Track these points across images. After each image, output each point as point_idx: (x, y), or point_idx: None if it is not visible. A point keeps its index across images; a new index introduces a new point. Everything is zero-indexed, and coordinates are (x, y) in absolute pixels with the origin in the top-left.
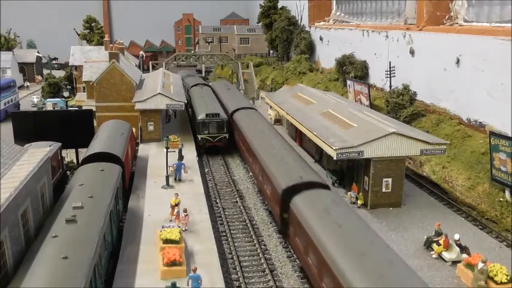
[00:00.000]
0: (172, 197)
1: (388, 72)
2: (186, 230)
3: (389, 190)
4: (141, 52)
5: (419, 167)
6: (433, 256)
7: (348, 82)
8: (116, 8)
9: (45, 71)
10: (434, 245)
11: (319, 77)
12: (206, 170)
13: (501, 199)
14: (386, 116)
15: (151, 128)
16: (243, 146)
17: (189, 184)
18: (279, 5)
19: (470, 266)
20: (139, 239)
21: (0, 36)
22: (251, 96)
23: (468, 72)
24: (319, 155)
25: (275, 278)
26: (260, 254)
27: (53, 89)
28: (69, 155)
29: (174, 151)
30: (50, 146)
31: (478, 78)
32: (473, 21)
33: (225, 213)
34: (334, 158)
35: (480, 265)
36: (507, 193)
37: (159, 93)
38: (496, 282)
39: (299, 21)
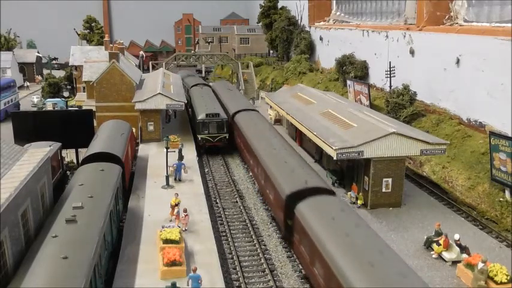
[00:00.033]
0: (172, 197)
1: (388, 72)
2: (186, 230)
3: (389, 190)
4: (141, 52)
5: (419, 167)
6: (433, 256)
7: (348, 82)
8: (116, 8)
9: (45, 71)
10: (434, 245)
11: (319, 77)
12: (206, 170)
13: (501, 199)
14: (386, 116)
15: (151, 128)
16: (244, 149)
17: (189, 184)
18: (279, 5)
19: (470, 266)
20: (139, 239)
21: (0, 36)
22: (251, 96)
23: (468, 72)
24: (319, 155)
25: (275, 278)
26: (260, 254)
27: (53, 89)
28: (69, 155)
29: (174, 151)
30: (50, 146)
31: (478, 78)
32: (473, 21)
33: (225, 213)
34: (334, 158)
35: (480, 265)
36: (507, 193)
37: (159, 93)
38: (496, 282)
39: (299, 21)
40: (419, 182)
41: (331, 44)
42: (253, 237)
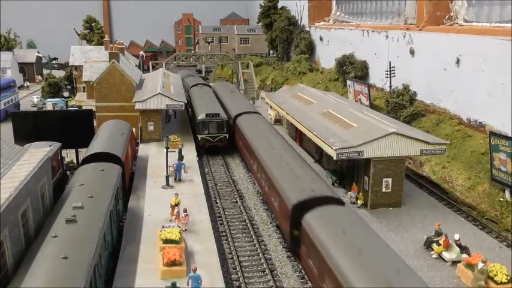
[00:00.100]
0: (172, 197)
1: (388, 72)
2: (186, 230)
3: (390, 190)
4: (141, 52)
5: (419, 167)
6: (433, 256)
7: (348, 82)
8: (116, 8)
9: (45, 71)
10: (434, 245)
11: (319, 77)
12: (206, 170)
13: (501, 199)
14: (386, 116)
15: (151, 128)
16: (247, 153)
17: (189, 184)
18: (279, 5)
19: (470, 266)
20: (139, 239)
21: (0, 36)
22: (251, 96)
23: (468, 72)
24: (319, 155)
25: (275, 278)
26: (260, 254)
27: (53, 89)
28: (69, 155)
29: (174, 151)
30: (50, 146)
31: (478, 78)
32: (473, 21)
33: (225, 213)
34: (334, 158)
35: (480, 265)
36: (507, 193)
37: (159, 93)
38: (496, 282)
39: (299, 21)
40: (419, 182)
41: (331, 44)
42: (253, 237)
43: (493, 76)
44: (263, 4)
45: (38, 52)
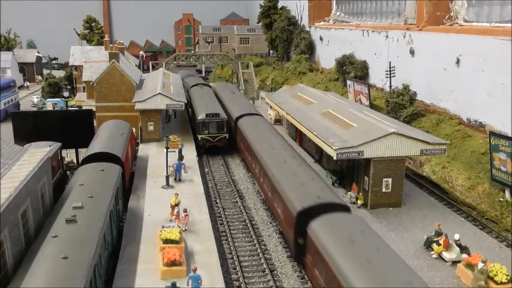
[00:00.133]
0: (172, 197)
1: (388, 72)
2: (186, 230)
3: (389, 190)
4: (141, 52)
5: (419, 167)
6: (433, 256)
7: (348, 82)
8: (116, 8)
9: (45, 71)
10: (434, 245)
11: (319, 77)
12: (206, 170)
13: (501, 199)
14: (386, 116)
15: (151, 128)
16: (249, 156)
17: (189, 184)
18: (279, 5)
19: (470, 266)
20: (139, 239)
21: (0, 36)
22: (251, 96)
23: (468, 72)
24: (319, 155)
25: (275, 278)
26: (260, 254)
27: (53, 89)
28: (69, 155)
29: (174, 151)
30: (50, 146)
31: (478, 78)
32: (473, 21)
33: (225, 213)
34: (334, 158)
35: (480, 265)
36: (507, 193)
37: (159, 93)
38: (496, 282)
39: (299, 21)
40: (419, 182)
41: (331, 44)
42: (253, 237)
43: (493, 76)
44: (263, 4)
45: (38, 52)
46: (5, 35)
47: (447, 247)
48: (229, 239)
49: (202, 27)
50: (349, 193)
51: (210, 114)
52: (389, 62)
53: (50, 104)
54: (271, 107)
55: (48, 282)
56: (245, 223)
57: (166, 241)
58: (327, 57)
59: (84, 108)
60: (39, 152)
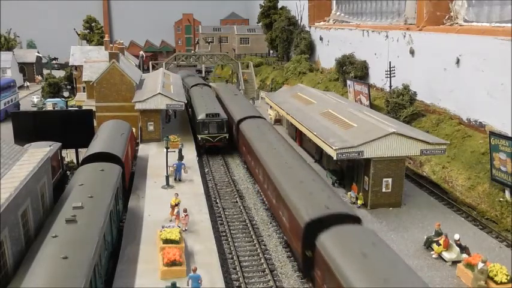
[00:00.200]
0: (172, 197)
1: (388, 72)
2: (186, 230)
3: (389, 190)
4: (141, 52)
5: (419, 167)
6: (433, 256)
7: (348, 82)
8: (116, 8)
9: (45, 71)
10: (434, 245)
11: (319, 77)
12: (206, 170)
13: (501, 199)
14: (386, 116)
15: (151, 128)
16: (252, 161)
17: (189, 184)
18: (279, 5)
19: (470, 266)
20: (139, 239)
21: (0, 36)
22: (251, 96)
23: (468, 72)
24: (319, 155)
25: (275, 278)
26: (260, 254)
27: (53, 89)
28: (69, 155)
29: (174, 151)
30: (50, 146)
31: (478, 78)
32: (473, 21)
33: (225, 213)
34: (334, 158)
35: (480, 265)
36: (507, 193)
37: (159, 93)
38: (496, 282)
39: (299, 21)
40: (419, 182)
41: (331, 44)
42: (253, 237)
43: (493, 76)
44: (263, 4)
45: (38, 52)
46: (5, 35)
47: (447, 247)
48: (229, 239)
49: (202, 27)
50: (349, 193)
51: (210, 114)
52: (389, 62)
53: (50, 104)
54: (271, 107)
55: (48, 282)
56: (245, 223)
57: (166, 241)
58: (327, 57)
59: (84, 108)
60: (39, 152)
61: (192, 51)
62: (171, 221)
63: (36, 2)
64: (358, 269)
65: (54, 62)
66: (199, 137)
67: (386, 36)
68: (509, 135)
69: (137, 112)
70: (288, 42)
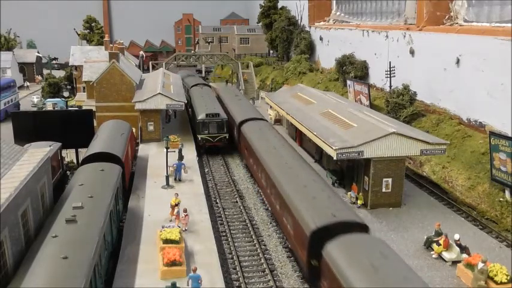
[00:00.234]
0: (172, 197)
1: (388, 72)
2: (186, 230)
3: (389, 190)
4: (141, 52)
5: (419, 167)
6: (433, 256)
7: (348, 82)
8: (116, 8)
9: (45, 71)
10: (434, 245)
11: (319, 77)
12: (206, 170)
13: (501, 199)
14: (386, 116)
15: (151, 128)
16: (254, 165)
17: (189, 184)
18: (279, 5)
19: (470, 266)
20: (139, 239)
21: (0, 36)
22: (251, 96)
23: (468, 72)
24: (319, 155)
25: (275, 278)
26: (260, 254)
27: (53, 89)
28: (69, 155)
29: (174, 151)
30: (50, 146)
31: (478, 78)
32: (473, 21)
33: (225, 213)
34: (334, 158)
35: (480, 265)
36: (507, 193)
37: (159, 93)
38: (496, 282)
39: (299, 21)
40: (419, 182)
41: (331, 44)
42: (253, 237)
43: (493, 76)
44: (263, 4)
45: (38, 52)
46: (5, 35)
47: (447, 247)
48: (229, 239)
49: (202, 27)
50: (349, 193)
51: (210, 114)
52: (389, 62)
53: (50, 104)
54: (271, 107)
55: (48, 282)
56: (245, 223)
57: (166, 241)
58: (327, 57)
59: (84, 108)
60: (39, 152)
61: (192, 51)
62: (171, 221)
63: (36, 2)
64: (368, 282)
65: (54, 62)
66: (199, 137)
67: (386, 36)
68: (509, 135)
69: (137, 112)
70: (288, 42)
